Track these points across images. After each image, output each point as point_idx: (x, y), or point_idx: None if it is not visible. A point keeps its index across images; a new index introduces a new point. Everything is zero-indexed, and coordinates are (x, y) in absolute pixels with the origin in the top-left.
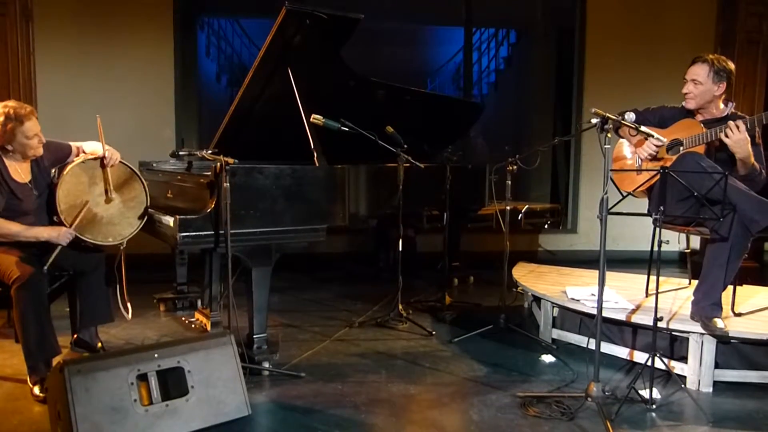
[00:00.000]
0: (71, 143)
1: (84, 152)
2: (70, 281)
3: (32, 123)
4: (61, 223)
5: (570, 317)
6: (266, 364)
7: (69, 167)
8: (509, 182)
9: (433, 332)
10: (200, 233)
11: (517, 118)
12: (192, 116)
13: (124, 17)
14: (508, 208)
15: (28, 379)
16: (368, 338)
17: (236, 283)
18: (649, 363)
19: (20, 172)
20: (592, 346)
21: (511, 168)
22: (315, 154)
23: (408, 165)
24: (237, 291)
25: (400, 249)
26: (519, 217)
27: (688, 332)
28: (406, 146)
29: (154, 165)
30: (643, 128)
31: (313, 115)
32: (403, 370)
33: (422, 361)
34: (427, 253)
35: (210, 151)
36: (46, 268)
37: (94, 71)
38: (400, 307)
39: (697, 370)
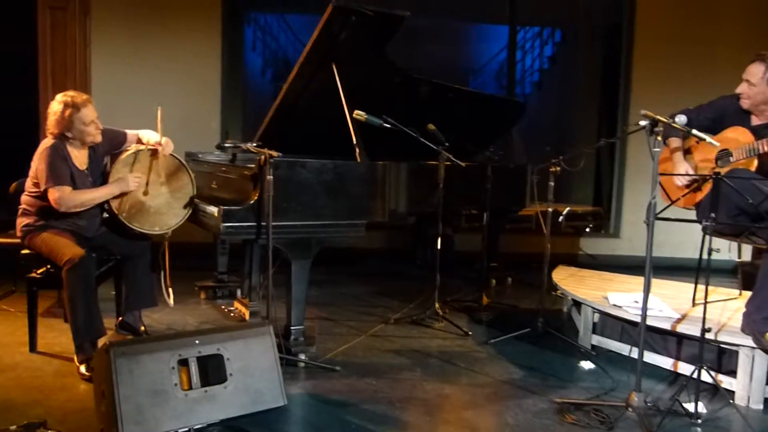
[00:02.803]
0: (127, 131)
1: (140, 140)
2: (117, 266)
3: (88, 110)
4: (110, 211)
5: (611, 324)
6: (302, 356)
7: (121, 156)
8: (552, 183)
9: (470, 332)
10: (242, 224)
11: (560, 118)
12: (237, 109)
13: (175, 12)
14: (549, 209)
15: (75, 358)
16: (404, 335)
17: (275, 274)
18: (695, 375)
19: (79, 158)
20: (634, 354)
21: (554, 169)
22: (357, 150)
23: (449, 163)
24: (276, 282)
25: (439, 247)
26: (560, 219)
27: (739, 345)
28: (447, 144)
29: (200, 156)
30: (695, 132)
31: (356, 111)
32: (438, 369)
33: (458, 361)
34: (465, 252)
35: (254, 144)
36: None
37: (146, 63)
38: (437, 305)
39: (747, 385)
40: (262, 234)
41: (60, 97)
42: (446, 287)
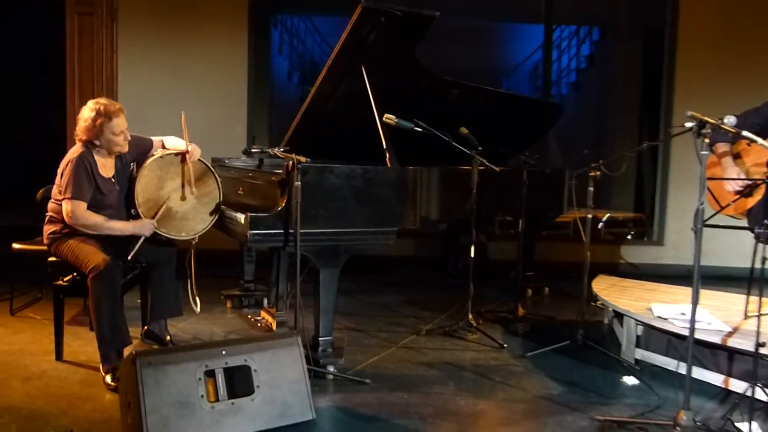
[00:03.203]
0: (153, 138)
1: (165, 147)
2: (143, 273)
3: (120, 120)
4: (138, 216)
5: (656, 337)
6: (331, 368)
7: (148, 161)
8: (591, 188)
9: (505, 345)
10: (270, 231)
11: (599, 121)
12: (263, 113)
13: (201, 16)
14: (589, 216)
15: (101, 368)
16: (436, 347)
17: (303, 283)
18: (748, 393)
19: (106, 166)
20: (682, 370)
21: (593, 173)
22: (387, 155)
23: (482, 168)
24: (303, 291)
25: (472, 255)
26: (599, 226)
27: None
28: (480, 148)
29: (226, 161)
30: (745, 133)
31: (386, 115)
32: (472, 383)
33: (492, 374)
34: (499, 260)
35: (282, 149)
36: (130, 257)
37: (172, 68)
38: (470, 316)
39: None
40: (289, 241)
41: (92, 104)
42: (480, 297)
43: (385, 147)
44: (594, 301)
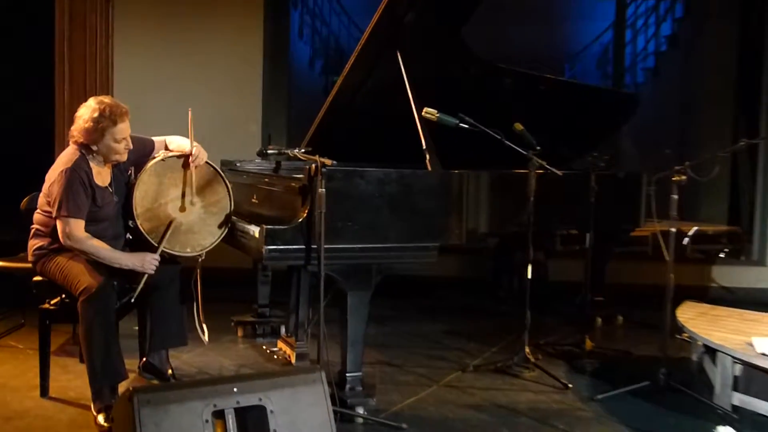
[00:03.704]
0: (154, 138)
1: (168, 148)
2: (141, 296)
3: (125, 125)
4: (136, 229)
5: (759, 379)
6: (361, 410)
7: (148, 165)
8: (675, 196)
9: (570, 385)
10: (289, 247)
11: (684, 114)
12: (281, 108)
13: None
14: (672, 229)
15: (92, 406)
16: (485, 387)
17: (328, 308)
18: None
19: (101, 174)
20: None
21: (678, 178)
22: (427, 156)
23: (541, 171)
24: (328, 318)
25: (529, 276)
26: (685, 242)
27: None
28: (539, 148)
29: (238, 165)
30: None
31: (426, 109)
32: (530, 430)
33: (555, 420)
34: (562, 282)
35: (302, 150)
36: (134, 299)
37: (175, 57)
38: (527, 350)
39: None
40: (312, 259)
41: (94, 104)
42: (539, 327)
43: (424, 147)
44: (679, 334)
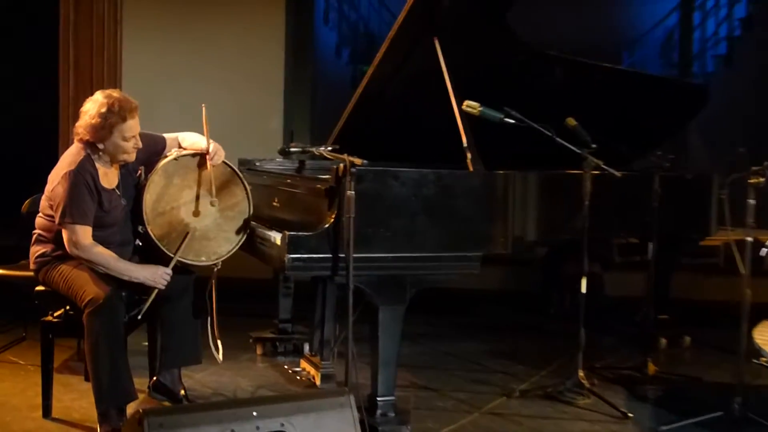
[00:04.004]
0: (166, 135)
1: (181, 146)
2: (152, 309)
3: (134, 122)
4: (146, 235)
5: None
6: None
7: (160, 164)
8: (752, 201)
9: (630, 414)
10: (314, 255)
11: (760, 107)
12: (305, 102)
13: None
14: (748, 238)
15: (98, 429)
16: (533, 414)
17: (356, 324)
18: None
19: (108, 175)
20: None
21: (754, 180)
22: (468, 155)
23: (597, 172)
24: (357, 336)
25: (583, 290)
26: (762, 253)
27: None
28: (594, 146)
29: (257, 164)
30: None
31: (467, 102)
32: None
33: None
34: (621, 298)
35: (329, 148)
36: (140, 315)
37: (189, 46)
38: (581, 373)
39: None
40: (339, 269)
41: (102, 98)
42: (594, 347)
43: (465, 145)
44: (756, 358)
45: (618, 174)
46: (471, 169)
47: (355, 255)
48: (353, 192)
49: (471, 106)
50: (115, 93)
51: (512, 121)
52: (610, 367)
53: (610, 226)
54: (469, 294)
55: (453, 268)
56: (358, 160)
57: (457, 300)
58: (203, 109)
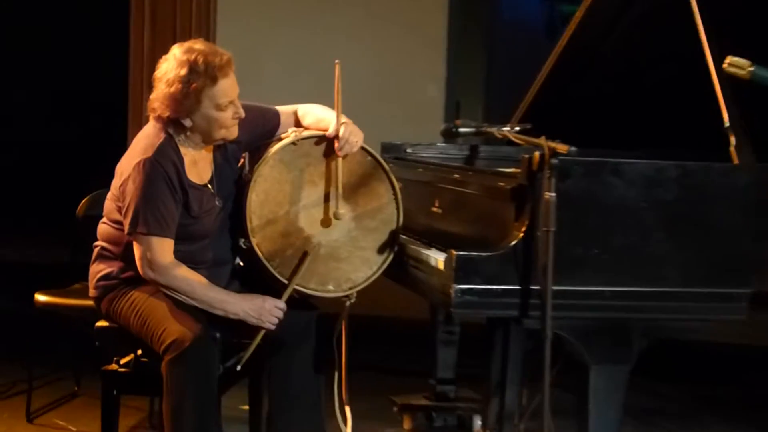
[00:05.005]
0: (279, 108)
1: (301, 124)
2: (257, 357)
3: (230, 81)
4: (250, 251)
5: None
6: None
7: (271, 151)
8: None
9: None
10: (493, 287)
11: None
12: (476, 61)
13: None
14: None
15: None
16: None
17: (554, 389)
18: None
19: (198, 165)
20: None
21: None
22: (732, 139)
23: None
24: (556, 406)
25: None
26: None
27: None
28: None
29: (409, 151)
30: None
31: (731, 59)
32: None
33: None
34: None
35: (516, 128)
36: (239, 367)
37: None
38: None
39: None
40: (531, 308)
41: (180, 53)
42: None
43: (727, 124)
44: None
45: None
46: (736, 160)
47: (555, 287)
48: (554, 194)
49: (737, 64)
50: (197, 44)
51: None
52: None
53: None
54: (726, 351)
55: (706, 311)
56: (562, 146)
57: (707, 358)
58: (336, 68)
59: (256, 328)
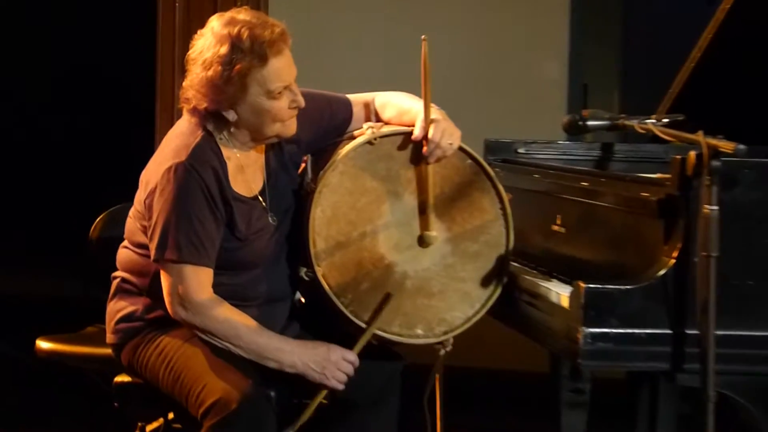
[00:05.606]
0: (351, 97)
1: (380, 118)
2: (329, 420)
3: (283, 61)
4: (314, 284)
5: None
6: None
7: (342, 153)
8: None
9: None
10: (635, 331)
11: None
12: (610, 33)
13: None
14: None
15: None
16: None
17: None
18: None
19: (246, 171)
20: None
21: None
22: None
23: None
24: None
25: None
26: None
27: None
28: None
29: (521, 151)
30: None
31: None
32: None
33: None
34: None
35: (664, 120)
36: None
37: None
38: None
39: None
40: (687, 360)
41: (219, 26)
42: None
43: None
44: None
45: None
46: None
47: (719, 332)
48: (717, 207)
49: None
50: (241, 14)
51: None
52: None
53: None
54: None
55: None
56: (726, 144)
57: None
58: (423, 45)
59: (320, 386)
